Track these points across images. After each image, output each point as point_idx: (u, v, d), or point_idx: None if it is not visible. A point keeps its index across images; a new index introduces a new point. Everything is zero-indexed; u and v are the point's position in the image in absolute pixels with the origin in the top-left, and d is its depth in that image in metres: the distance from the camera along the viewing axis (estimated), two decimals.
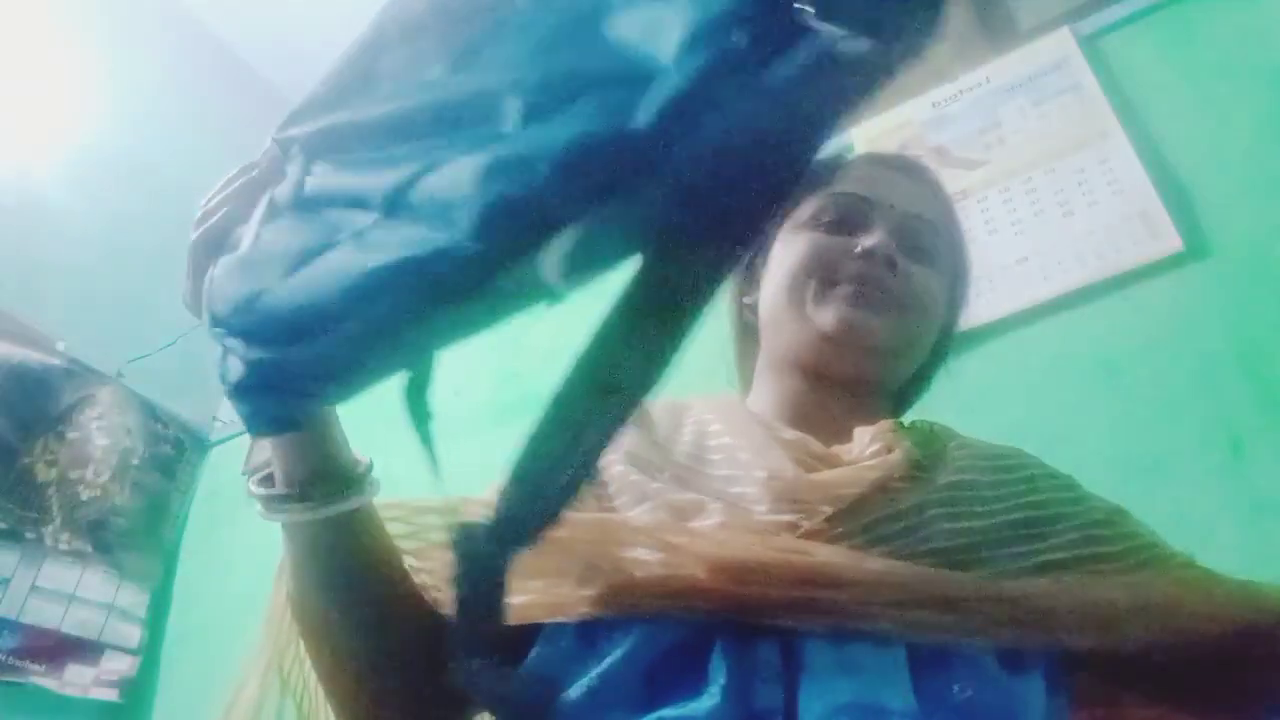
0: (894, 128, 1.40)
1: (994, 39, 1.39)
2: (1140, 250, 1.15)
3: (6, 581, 1.53)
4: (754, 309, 0.69)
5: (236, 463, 1.91)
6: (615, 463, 0.56)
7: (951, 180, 1.31)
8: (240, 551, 1.79)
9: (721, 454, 0.57)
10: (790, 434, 0.57)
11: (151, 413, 1.91)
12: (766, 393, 0.65)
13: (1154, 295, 1.14)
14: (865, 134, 1.42)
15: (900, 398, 0.70)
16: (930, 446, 0.57)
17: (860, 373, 0.62)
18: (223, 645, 1.65)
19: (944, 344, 0.70)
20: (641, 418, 0.63)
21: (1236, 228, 1.13)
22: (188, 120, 2.12)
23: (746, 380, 0.71)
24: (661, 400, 0.67)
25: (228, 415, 2.07)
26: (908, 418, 0.65)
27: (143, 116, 2.05)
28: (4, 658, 1.48)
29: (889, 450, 0.54)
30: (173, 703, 1.68)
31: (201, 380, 2.10)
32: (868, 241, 0.61)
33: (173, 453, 1.94)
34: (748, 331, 0.72)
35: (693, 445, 0.59)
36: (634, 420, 0.61)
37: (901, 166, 0.71)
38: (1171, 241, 1.14)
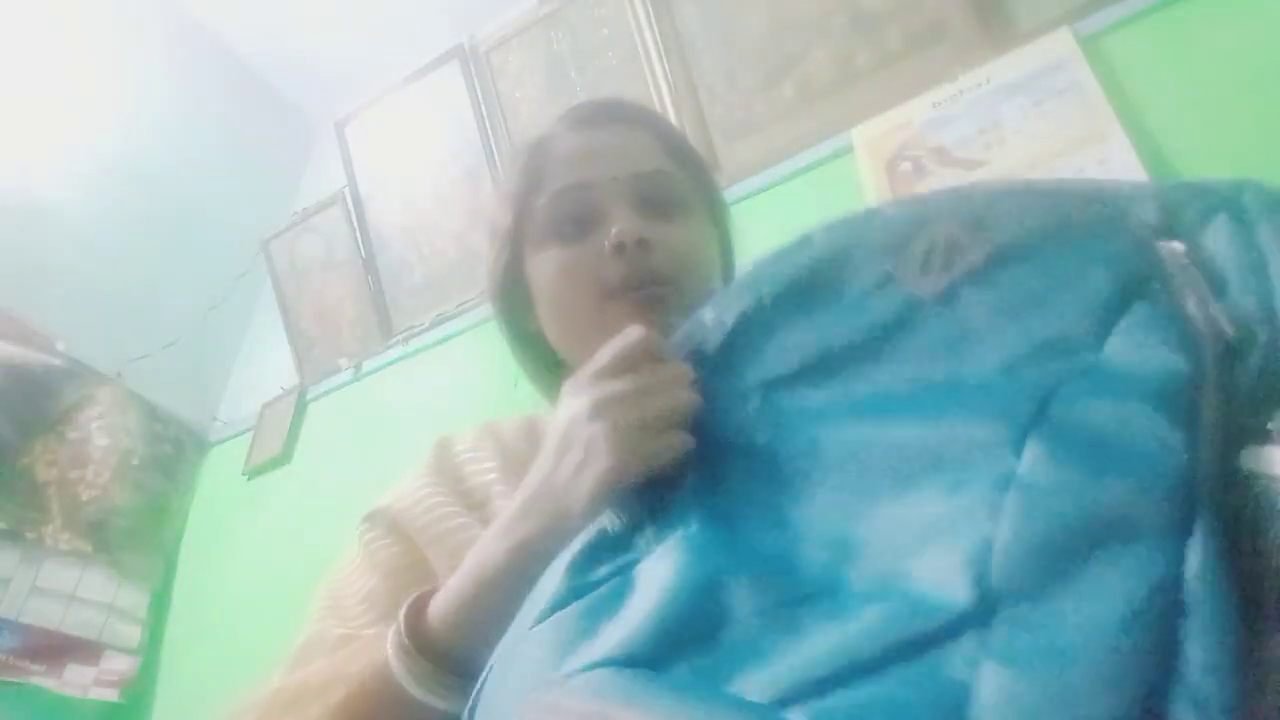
0: (894, 128, 1.39)
1: (994, 39, 1.39)
2: None
3: (7, 581, 1.53)
4: (540, 331, 0.65)
5: (237, 463, 1.91)
6: (496, 482, 0.57)
7: (952, 180, 1.32)
8: (240, 551, 1.79)
9: None
10: None
11: (151, 413, 1.91)
12: None
13: None
14: (865, 134, 1.42)
15: None
16: None
17: None
18: (223, 645, 1.65)
19: (725, 239, 0.70)
20: (498, 434, 0.63)
21: None
22: (189, 122, 2.12)
23: (554, 395, 0.66)
24: (519, 418, 0.67)
25: (228, 415, 2.08)
26: None
27: (143, 117, 2.05)
28: (4, 658, 1.48)
29: None
30: (173, 703, 1.68)
31: (201, 380, 2.10)
32: (612, 234, 0.58)
33: (173, 453, 1.94)
34: (539, 350, 0.67)
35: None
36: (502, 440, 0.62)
37: (601, 119, 0.67)
38: None
